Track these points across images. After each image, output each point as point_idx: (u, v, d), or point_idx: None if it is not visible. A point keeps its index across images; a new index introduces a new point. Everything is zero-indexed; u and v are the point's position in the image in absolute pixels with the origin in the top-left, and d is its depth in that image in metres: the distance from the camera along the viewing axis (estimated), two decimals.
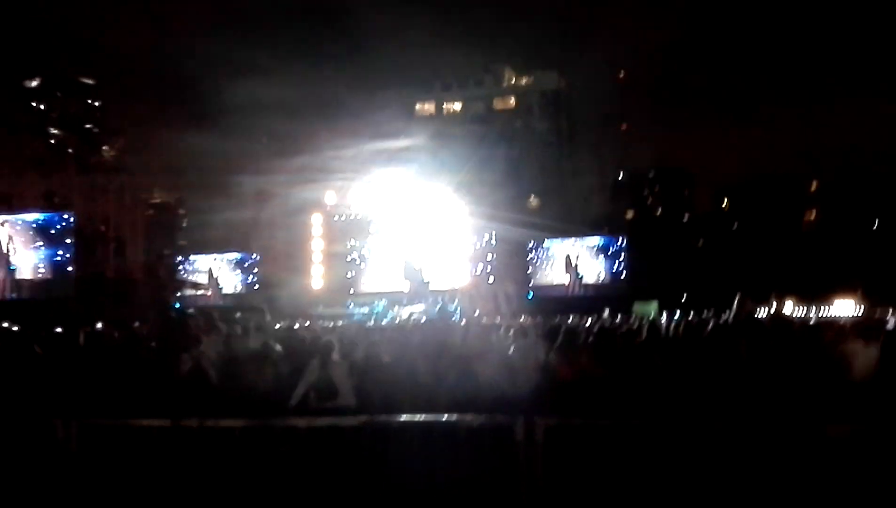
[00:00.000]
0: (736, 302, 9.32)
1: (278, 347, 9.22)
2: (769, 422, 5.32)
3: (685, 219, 77.47)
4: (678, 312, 26.78)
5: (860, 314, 20.78)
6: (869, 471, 4.93)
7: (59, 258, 40.40)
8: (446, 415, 5.54)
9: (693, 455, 5.30)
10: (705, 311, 19.87)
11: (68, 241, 40.46)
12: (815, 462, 5.04)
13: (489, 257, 46.46)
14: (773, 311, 9.75)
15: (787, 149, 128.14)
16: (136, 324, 16.42)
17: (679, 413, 5.81)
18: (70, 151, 42.85)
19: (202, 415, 5.97)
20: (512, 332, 11.04)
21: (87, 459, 6.07)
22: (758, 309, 9.31)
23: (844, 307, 31.32)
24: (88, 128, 44.02)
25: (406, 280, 42.11)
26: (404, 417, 5.59)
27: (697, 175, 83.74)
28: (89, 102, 45.13)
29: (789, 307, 29.08)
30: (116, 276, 39.90)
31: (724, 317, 10.37)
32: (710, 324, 9.69)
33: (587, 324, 15.17)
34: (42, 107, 44.51)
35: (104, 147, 43.44)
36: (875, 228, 60.43)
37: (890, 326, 10.52)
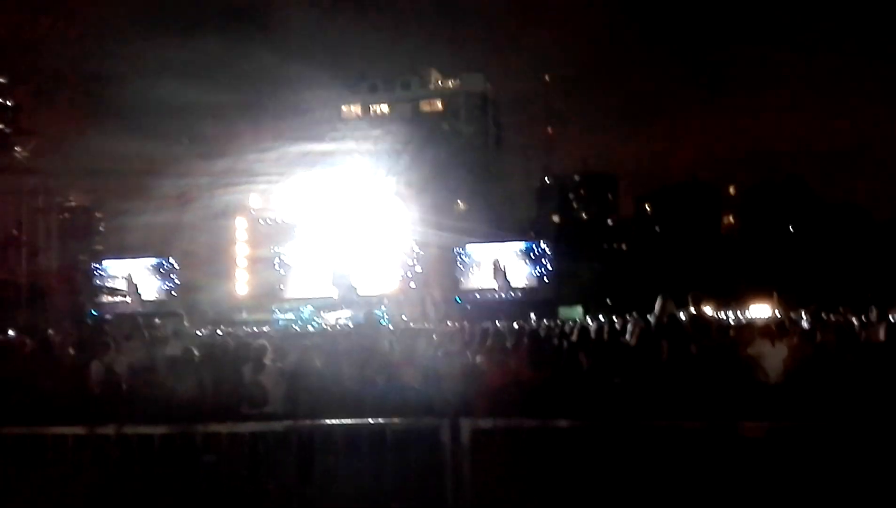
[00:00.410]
0: (658, 305, 9.51)
1: (198, 353, 9.03)
2: (688, 422, 5.43)
3: (609, 223, 79.02)
4: (603, 315, 27.30)
5: (774, 317, 21.50)
6: (782, 469, 5.08)
7: None
8: (372, 419, 5.49)
9: (618, 455, 5.37)
10: (629, 314, 20.26)
11: None
12: (732, 460, 5.16)
13: (416, 262, 46.42)
14: (692, 313, 9.98)
15: (706, 155, 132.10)
16: (51, 331, 15.84)
17: (605, 414, 5.89)
18: None
19: (119, 423, 5.78)
20: (439, 337, 11.06)
21: None
22: (679, 312, 9.51)
23: (761, 310, 32.31)
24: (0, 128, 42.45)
25: (334, 286, 41.83)
26: (330, 422, 5.51)
27: (621, 180, 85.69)
28: (0, 101, 43.51)
29: (709, 310, 29.87)
30: (30, 282, 38.49)
31: (646, 320, 10.58)
32: (633, 327, 9.87)
33: (514, 328, 15.30)
34: None
35: (16, 148, 41.92)
36: (791, 232, 62.74)
37: (803, 325, 10.91)
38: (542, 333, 11.38)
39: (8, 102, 43.64)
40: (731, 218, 73.23)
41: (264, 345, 8.51)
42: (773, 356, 7.85)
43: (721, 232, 70.49)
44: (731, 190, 73.98)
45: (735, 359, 7.47)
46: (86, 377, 8.13)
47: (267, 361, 8.18)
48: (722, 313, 27.32)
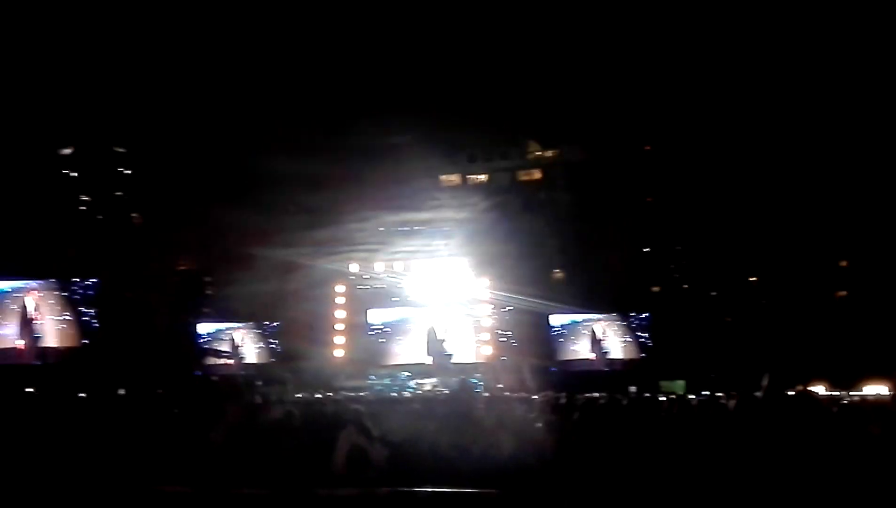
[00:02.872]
0: (764, 382, 9.18)
1: (300, 416, 9.19)
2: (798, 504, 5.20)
3: (712, 295, 76.90)
4: (706, 390, 26.45)
5: (892, 396, 20.36)
6: None
7: (84, 325, 40.74)
8: (472, 489, 5.46)
9: None
10: (733, 390, 19.58)
11: (94, 307, 40.84)
12: None
13: (512, 331, 46.21)
14: (801, 390, 9.59)
15: (816, 227, 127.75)
16: (160, 390, 16.45)
17: (708, 493, 5.70)
18: (99, 217, 43.69)
19: (226, 483, 5.93)
20: (535, 406, 10.93)
21: None
22: (788, 389, 9.15)
23: (878, 390, 30.65)
24: (118, 195, 44.97)
25: (429, 354, 42.02)
26: (432, 489, 5.50)
27: (724, 250, 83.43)
28: (120, 169, 46.19)
29: (820, 388, 28.54)
30: (141, 343, 40.11)
31: (753, 395, 10.21)
32: (738, 402, 9.55)
33: (612, 400, 14.98)
34: (74, 174, 45.60)
35: (132, 214, 44.28)
36: None
37: None
38: (641, 406, 11.12)
39: (126, 171, 46.32)
40: (843, 292, 70.14)
41: (362, 410, 8.61)
42: (891, 438, 7.45)
43: (833, 307, 67.51)
44: (843, 263, 71.05)
45: (848, 440, 7.13)
46: (195, 436, 8.37)
47: (365, 426, 8.24)
48: (835, 391, 26.08)
